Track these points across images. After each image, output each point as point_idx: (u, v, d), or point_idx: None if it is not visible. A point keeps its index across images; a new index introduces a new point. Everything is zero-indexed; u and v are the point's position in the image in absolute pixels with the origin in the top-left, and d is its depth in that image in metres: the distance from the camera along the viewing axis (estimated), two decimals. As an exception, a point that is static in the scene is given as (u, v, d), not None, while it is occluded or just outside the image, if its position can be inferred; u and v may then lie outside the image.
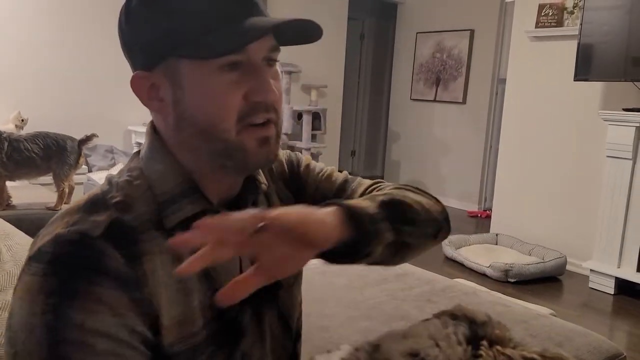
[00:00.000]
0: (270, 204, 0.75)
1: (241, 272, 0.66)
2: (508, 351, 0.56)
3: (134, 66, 0.63)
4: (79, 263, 0.54)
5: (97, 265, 0.54)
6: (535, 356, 0.57)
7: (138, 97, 0.64)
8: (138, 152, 0.67)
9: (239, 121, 0.60)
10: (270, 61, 0.63)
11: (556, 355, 0.58)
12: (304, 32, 0.63)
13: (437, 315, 0.63)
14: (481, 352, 0.56)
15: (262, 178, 0.73)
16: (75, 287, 0.53)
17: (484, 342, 0.57)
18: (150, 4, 0.60)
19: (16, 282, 0.57)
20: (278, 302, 0.73)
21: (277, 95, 0.62)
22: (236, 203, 0.68)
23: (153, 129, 0.66)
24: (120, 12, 0.63)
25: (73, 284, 0.53)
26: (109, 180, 0.64)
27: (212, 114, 0.60)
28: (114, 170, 3.66)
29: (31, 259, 0.56)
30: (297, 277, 0.79)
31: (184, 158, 0.64)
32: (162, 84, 0.62)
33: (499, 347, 0.57)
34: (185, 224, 0.60)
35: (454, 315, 0.62)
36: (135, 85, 0.63)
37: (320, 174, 0.83)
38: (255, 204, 0.72)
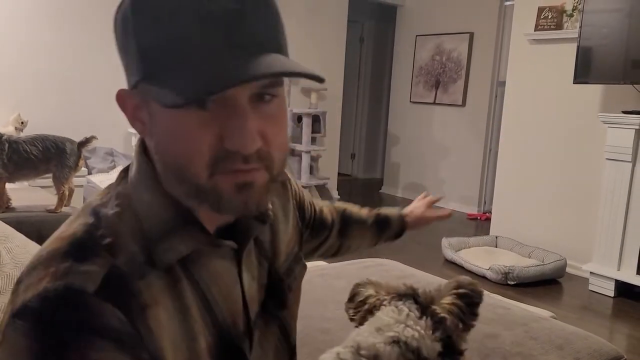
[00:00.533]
0: (273, 233, 0.70)
1: (245, 306, 0.62)
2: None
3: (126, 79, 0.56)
4: (73, 325, 0.47)
5: (94, 328, 0.48)
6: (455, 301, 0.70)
7: (125, 114, 0.57)
8: (125, 171, 0.60)
9: (211, 167, 0.51)
10: (263, 97, 0.52)
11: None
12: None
13: (388, 302, 0.70)
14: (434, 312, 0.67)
15: (268, 204, 0.65)
16: (70, 354, 0.46)
17: (432, 307, 0.68)
18: (128, 17, 0.52)
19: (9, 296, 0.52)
20: (281, 321, 0.70)
21: (258, 144, 0.51)
22: (234, 228, 0.61)
23: (143, 149, 0.58)
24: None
25: (67, 350, 0.47)
26: (95, 211, 0.55)
27: (180, 156, 0.52)
28: (114, 173, 3.66)
29: (15, 315, 0.49)
30: (298, 295, 0.76)
31: (171, 187, 0.56)
32: (142, 106, 0.54)
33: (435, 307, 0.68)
34: (185, 259, 0.55)
35: (400, 296, 0.70)
36: (119, 102, 0.56)
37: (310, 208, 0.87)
38: (272, 229, 0.69)
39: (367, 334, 0.64)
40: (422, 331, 0.64)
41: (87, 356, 0.47)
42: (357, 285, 0.76)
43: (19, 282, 0.52)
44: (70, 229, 0.55)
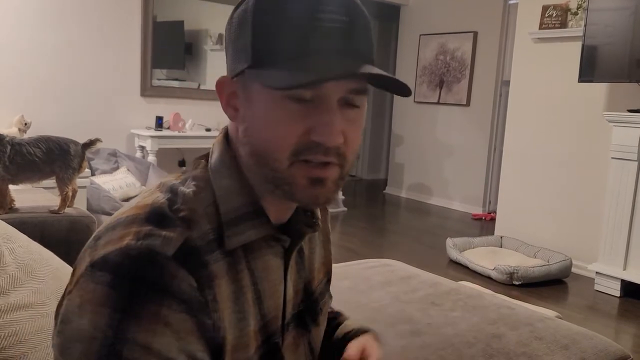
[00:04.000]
0: (311, 251, 0.75)
1: (284, 298, 0.66)
2: None
3: (228, 68, 0.63)
4: (150, 282, 0.52)
5: (168, 287, 0.52)
6: None
7: (220, 100, 0.63)
8: (203, 158, 0.65)
9: (293, 155, 0.57)
10: (349, 104, 0.59)
11: None
12: (392, 84, 0.59)
13: None
14: None
15: (317, 211, 0.71)
16: (144, 306, 0.51)
17: None
18: (248, 12, 0.58)
19: (70, 285, 0.55)
20: (310, 336, 0.74)
21: (341, 140, 0.58)
22: (288, 229, 0.66)
23: (225, 138, 0.64)
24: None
25: (142, 303, 0.51)
26: (173, 189, 0.60)
27: (268, 140, 0.58)
28: (118, 174, 3.67)
29: (94, 265, 0.53)
30: (325, 320, 0.80)
31: (249, 175, 0.62)
32: (239, 94, 0.61)
33: None
34: (246, 246, 0.61)
35: None
36: (218, 88, 0.63)
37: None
38: (310, 240, 0.74)
39: None
40: None
41: (159, 312, 0.51)
42: None
43: (97, 238, 0.56)
44: (148, 200, 0.59)
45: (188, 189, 0.60)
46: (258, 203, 0.62)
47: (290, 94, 0.56)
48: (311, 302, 0.73)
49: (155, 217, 0.57)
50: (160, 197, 0.59)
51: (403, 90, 0.59)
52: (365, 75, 0.56)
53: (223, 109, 0.63)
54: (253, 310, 0.61)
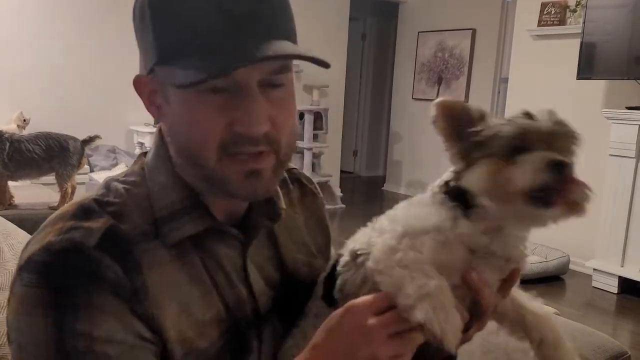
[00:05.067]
0: (288, 234, 0.71)
1: (251, 289, 0.63)
2: None
3: (141, 65, 0.60)
4: (78, 273, 0.52)
5: (94, 275, 0.52)
6: None
7: (141, 99, 0.61)
8: (144, 154, 0.64)
9: (220, 150, 0.54)
10: (273, 84, 0.55)
11: None
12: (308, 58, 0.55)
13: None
14: None
15: (281, 202, 0.67)
16: (76, 297, 0.51)
17: None
18: (145, 5, 0.55)
19: (8, 293, 0.55)
20: (274, 332, 0.69)
21: (267, 127, 0.54)
22: (246, 223, 0.64)
23: (160, 134, 0.62)
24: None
25: (71, 295, 0.51)
26: (107, 185, 0.60)
27: (192, 139, 0.55)
28: (117, 170, 3.66)
29: (22, 268, 0.53)
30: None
31: (182, 172, 0.60)
32: (157, 91, 0.58)
33: None
34: (193, 239, 0.59)
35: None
36: (136, 87, 0.60)
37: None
38: (270, 233, 0.68)
39: None
40: None
41: (91, 299, 0.51)
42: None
43: (29, 242, 0.56)
44: (81, 198, 0.60)
45: (122, 184, 0.60)
46: (196, 197, 0.60)
47: (204, 87, 0.52)
48: (296, 291, 0.69)
49: (82, 212, 0.56)
50: (93, 194, 0.59)
51: (319, 63, 0.54)
52: (271, 57, 0.52)
53: (146, 108, 0.60)
54: (208, 301, 0.59)
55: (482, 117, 0.62)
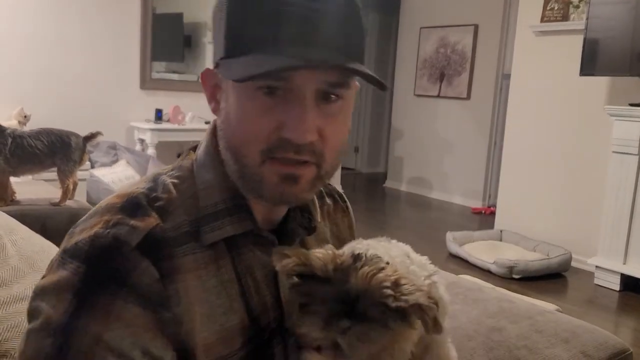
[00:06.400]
0: (318, 246, 0.70)
1: (279, 298, 0.63)
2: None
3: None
4: (111, 273, 0.52)
5: (127, 280, 0.52)
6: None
7: (205, 92, 0.61)
8: (193, 149, 0.64)
9: (265, 153, 0.55)
10: (328, 96, 0.55)
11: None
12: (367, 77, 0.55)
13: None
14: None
15: (317, 215, 0.68)
16: (100, 296, 0.52)
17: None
18: (223, 3, 0.56)
19: (47, 269, 0.56)
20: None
21: (314, 137, 0.54)
22: (282, 230, 0.65)
23: (213, 131, 0.62)
24: None
25: (99, 293, 0.52)
26: (155, 178, 0.60)
27: (239, 135, 0.56)
28: (117, 167, 3.66)
29: (66, 251, 0.55)
30: None
31: (228, 170, 0.60)
32: (220, 86, 0.59)
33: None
34: (230, 241, 0.59)
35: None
36: (202, 79, 0.61)
37: None
38: (302, 243, 0.67)
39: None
40: None
41: (113, 304, 0.51)
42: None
43: (75, 226, 0.58)
44: (129, 189, 0.59)
45: (170, 179, 0.60)
46: (241, 199, 0.60)
47: (260, 86, 0.53)
48: None
49: (130, 206, 0.57)
50: (142, 187, 0.59)
51: (379, 84, 0.54)
52: (326, 66, 0.52)
53: (208, 101, 0.61)
54: (238, 306, 0.59)
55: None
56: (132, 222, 0.55)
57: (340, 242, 0.76)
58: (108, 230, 0.54)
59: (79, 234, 0.55)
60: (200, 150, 0.63)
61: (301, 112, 0.53)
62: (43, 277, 0.56)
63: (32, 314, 0.54)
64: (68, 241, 0.56)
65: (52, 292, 0.53)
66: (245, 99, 0.54)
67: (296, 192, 0.57)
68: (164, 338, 0.53)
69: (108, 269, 0.52)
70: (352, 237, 0.79)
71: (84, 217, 0.59)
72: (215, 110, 0.61)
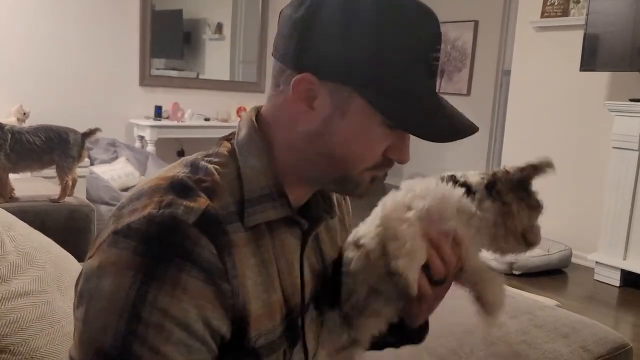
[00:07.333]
0: (327, 231, 0.77)
1: (302, 279, 0.68)
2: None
3: (294, 62, 0.60)
4: (173, 248, 0.54)
5: (190, 254, 0.54)
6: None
7: (292, 91, 0.60)
8: (226, 138, 0.67)
9: (370, 168, 0.64)
10: None
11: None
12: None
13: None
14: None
15: (334, 199, 0.75)
16: (166, 271, 0.53)
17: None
18: (365, 19, 0.57)
19: (91, 251, 0.57)
20: (314, 322, 0.74)
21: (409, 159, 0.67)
22: (307, 214, 0.69)
23: (255, 119, 0.65)
24: (316, 4, 0.58)
25: (164, 268, 0.53)
26: (194, 164, 0.62)
27: (354, 153, 0.62)
28: (117, 164, 3.66)
29: (118, 233, 0.55)
30: None
31: (283, 160, 0.64)
32: (324, 97, 0.60)
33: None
34: (268, 223, 0.63)
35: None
36: (298, 81, 0.59)
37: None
38: (316, 234, 0.73)
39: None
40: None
41: (179, 277, 0.53)
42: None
43: (120, 208, 0.59)
44: (170, 172, 0.62)
45: (211, 164, 0.62)
46: (281, 185, 0.64)
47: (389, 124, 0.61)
48: (325, 286, 0.74)
49: (178, 187, 0.58)
50: (182, 171, 0.61)
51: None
52: (473, 132, 0.65)
53: (289, 101, 0.61)
54: (276, 284, 0.64)
55: None
56: (185, 202, 0.57)
57: (342, 225, 0.81)
58: (162, 210, 0.56)
59: (129, 216, 0.56)
60: (242, 136, 0.65)
61: (407, 142, 0.65)
62: (89, 258, 0.57)
63: (89, 295, 0.55)
64: (117, 223, 0.57)
65: (110, 271, 0.54)
66: (371, 126, 0.60)
67: (374, 187, 0.68)
68: (222, 310, 0.56)
69: (169, 245, 0.54)
70: (350, 222, 0.84)
71: (125, 200, 0.60)
72: (302, 114, 0.61)
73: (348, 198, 0.86)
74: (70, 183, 2.21)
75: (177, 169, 0.62)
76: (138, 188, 0.61)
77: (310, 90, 0.60)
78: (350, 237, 0.74)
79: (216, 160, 0.63)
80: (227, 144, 0.66)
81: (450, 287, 0.74)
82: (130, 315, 0.52)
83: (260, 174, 0.63)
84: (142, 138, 4.23)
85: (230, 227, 0.59)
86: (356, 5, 0.58)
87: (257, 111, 0.67)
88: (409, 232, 0.65)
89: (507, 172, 0.76)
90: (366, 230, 0.71)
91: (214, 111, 4.61)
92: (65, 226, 1.93)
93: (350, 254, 0.72)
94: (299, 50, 0.60)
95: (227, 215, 0.59)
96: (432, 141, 0.62)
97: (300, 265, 0.68)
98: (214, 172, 0.61)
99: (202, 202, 0.58)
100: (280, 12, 0.63)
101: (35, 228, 1.16)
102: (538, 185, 0.82)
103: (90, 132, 2.31)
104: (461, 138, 0.63)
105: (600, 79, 3.42)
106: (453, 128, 0.63)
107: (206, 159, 0.63)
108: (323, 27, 0.58)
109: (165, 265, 0.53)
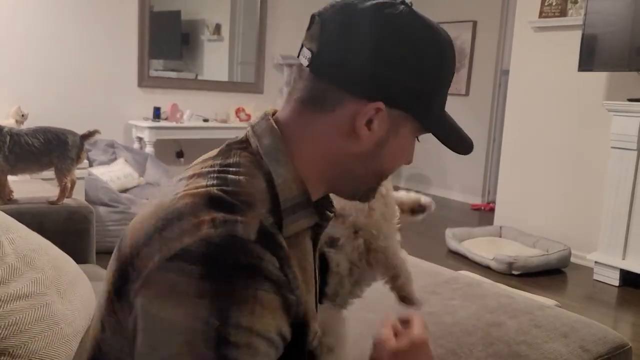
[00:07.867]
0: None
1: (316, 288, 0.73)
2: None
3: (367, 92, 0.62)
4: (243, 267, 0.54)
5: (259, 270, 0.54)
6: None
7: (362, 113, 0.62)
8: (239, 147, 0.65)
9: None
10: None
11: None
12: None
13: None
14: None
15: (333, 200, 0.78)
16: (242, 291, 0.53)
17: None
18: (421, 51, 0.63)
19: (136, 283, 0.55)
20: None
21: None
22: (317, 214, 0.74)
23: (276, 127, 0.65)
24: (383, 28, 0.64)
25: (240, 288, 0.53)
26: (220, 176, 0.60)
27: (397, 166, 0.70)
28: (115, 165, 3.66)
29: (175, 259, 0.53)
30: None
31: (307, 170, 0.64)
32: (383, 121, 0.64)
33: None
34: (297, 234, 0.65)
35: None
36: (369, 109, 0.62)
37: None
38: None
39: None
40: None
41: (255, 295, 0.53)
42: None
43: (159, 230, 0.56)
44: (197, 188, 0.59)
45: (238, 175, 0.60)
46: (309, 194, 0.65)
47: (419, 136, 0.70)
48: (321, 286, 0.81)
49: (217, 202, 0.57)
50: (210, 183, 0.59)
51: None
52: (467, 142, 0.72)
53: (357, 125, 0.63)
54: (310, 286, 0.68)
55: None
56: (239, 218, 0.56)
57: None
58: (220, 229, 0.54)
59: (180, 239, 0.54)
60: (267, 145, 0.64)
61: (414, 150, 0.72)
62: (140, 290, 0.55)
63: (160, 330, 0.53)
64: (167, 248, 0.54)
65: (181, 301, 0.52)
66: (411, 141, 0.68)
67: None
68: (289, 319, 0.58)
69: (236, 265, 0.53)
70: None
71: (161, 223, 0.57)
72: (357, 133, 0.63)
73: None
74: (69, 185, 2.21)
75: (200, 181, 0.60)
76: (166, 208, 0.58)
77: (372, 114, 0.63)
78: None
79: (242, 170, 0.61)
80: (246, 154, 0.64)
81: (450, 288, 0.76)
82: (218, 342, 0.51)
83: (292, 183, 0.63)
84: (140, 139, 4.23)
85: (281, 238, 0.59)
86: (422, 45, 0.64)
87: (274, 118, 0.66)
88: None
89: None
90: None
91: (213, 112, 4.61)
92: (64, 228, 1.92)
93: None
94: (372, 80, 0.62)
95: (272, 225, 0.60)
96: (462, 154, 0.70)
97: (315, 266, 0.72)
98: (245, 184, 0.60)
99: (253, 216, 0.57)
100: (328, 29, 0.68)
101: (34, 230, 1.15)
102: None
103: (89, 134, 2.31)
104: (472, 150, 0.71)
105: (599, 78, 3.42)
106: (469, 141, 0.71)
107: (231, 169, 0.61)
108: (397, 61, 0.62)
109: (241, 285, 0.53)
